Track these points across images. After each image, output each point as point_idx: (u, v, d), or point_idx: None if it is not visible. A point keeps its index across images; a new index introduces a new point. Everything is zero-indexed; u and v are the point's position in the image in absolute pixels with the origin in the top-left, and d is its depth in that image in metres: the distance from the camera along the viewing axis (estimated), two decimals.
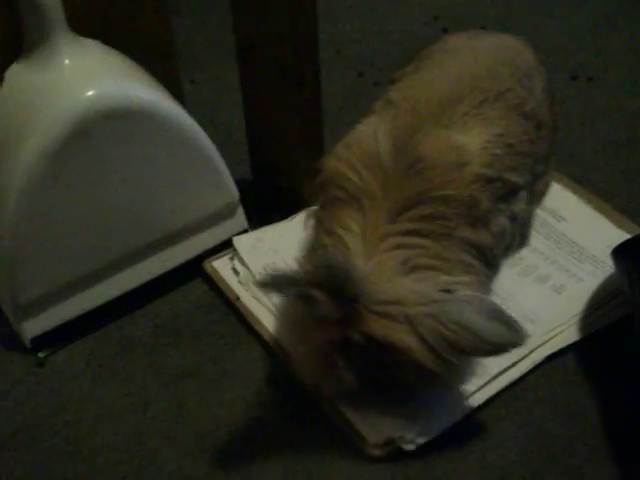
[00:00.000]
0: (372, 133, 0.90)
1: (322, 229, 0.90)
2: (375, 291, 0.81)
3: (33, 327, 1.00)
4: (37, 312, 1.00)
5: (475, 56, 0.99)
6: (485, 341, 0.80)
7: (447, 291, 0.82)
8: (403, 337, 0.80)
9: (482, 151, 0.90)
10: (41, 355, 1.01)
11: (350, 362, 0.84)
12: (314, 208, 0.95)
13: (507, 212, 0.94)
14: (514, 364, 0.95)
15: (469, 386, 0.93)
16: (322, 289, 0.79)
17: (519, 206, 0.96)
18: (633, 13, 1.54)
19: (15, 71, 0.96)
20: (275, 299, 1.02)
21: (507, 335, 0.81)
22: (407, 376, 0.84)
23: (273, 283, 0.81)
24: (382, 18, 1.55)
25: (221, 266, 1.08)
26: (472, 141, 0.90)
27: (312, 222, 0.94)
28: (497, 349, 0.82)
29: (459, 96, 0.92)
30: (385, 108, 0.95)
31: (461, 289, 0.83)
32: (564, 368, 0.97)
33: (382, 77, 1.40)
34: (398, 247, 0.84)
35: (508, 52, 1.01)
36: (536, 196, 1.04)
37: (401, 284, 0.82)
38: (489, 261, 0.92)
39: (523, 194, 0.97)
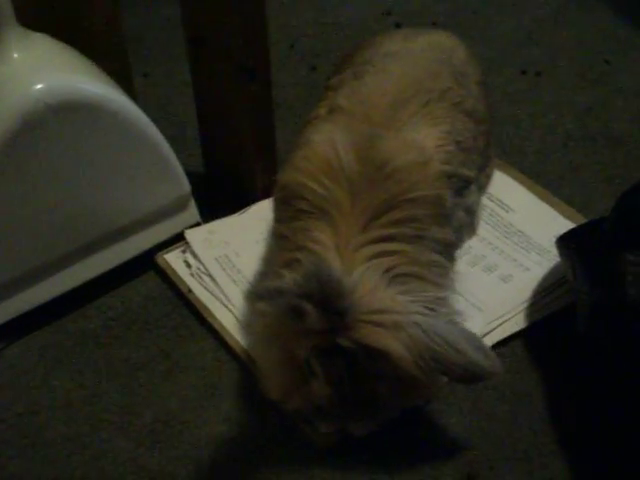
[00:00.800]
0: (329, 142, 0.90)
1: (289, 245, 0.88)
2: (363, 301, 0.81)
3: None
4: None
5: (414, 58, 1.01)
6: (471, 362, 0.81)
7: (431, 309, 0.83)
8: (392, 343, 0.80)
9: (438, 149, 0.93)
10: None
11: (329, 374, 0.82)
12: (273, 224, 0.94)
13: (463, 205, 0.97)
14: None
15: None
16: (312, 301, 0.78)
17: (472, 198, 0.99)
18: (581, 8, 1.57)
19: None
20: (229, 294, 1.03)
21: (484, 362, 0.82)
22: (386, 389, 0.83)
23: (265, 294, 0.80)
24: (335, 12, 1.56)
25: (173, 259, 1.09)
26: (427, 140, 0.92)
27: (273, 239, 0.94)
28: (473, 374, 0.82)
29: (406, 98, 0.94)
30: (335, 115, 0.96)
31: (441, 308, 0.84)
32: (512, 355, 0.99)
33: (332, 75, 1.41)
34: (375, 256, 0.84)
35: (443, 51, 1.04)
36: (480, 187, 1.06)
37: (387, 294, 0.82)
38: (452, 256, 0.95)
39: (474, 187, 1.00)
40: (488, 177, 1.07)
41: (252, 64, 1.04)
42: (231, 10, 0.99)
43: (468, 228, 1.03)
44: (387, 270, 0.84)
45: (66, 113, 0.93)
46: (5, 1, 0.92)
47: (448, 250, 0.92)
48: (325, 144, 0.90)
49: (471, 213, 1.02)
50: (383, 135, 0.90)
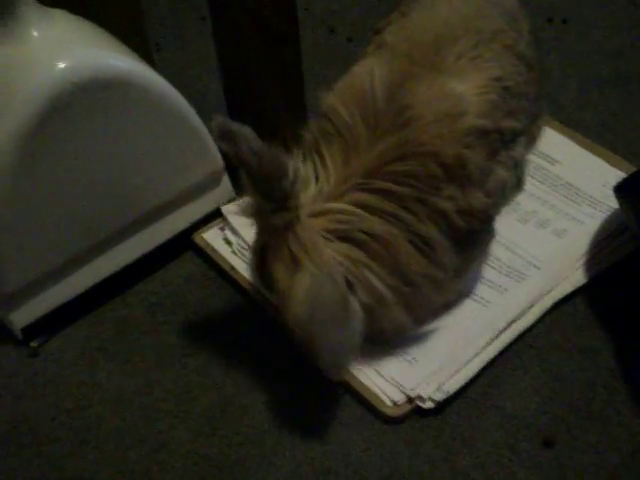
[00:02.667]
0: (368, 74, 0.87)
1: (301, 152, 0.88)
2: (300, 226, 0.81)
3: (23, 316, 0.95)
4: (26, 300, 0.95)
5: None
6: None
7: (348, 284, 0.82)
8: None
9: (480, 98, 0.87)
10: (34, 344, 0.96)
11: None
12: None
13: (509, 162, 0.91)
14: (523, 313, 0.93)
15: (481, 339, 0.91)
16: (249, 173, 0.79)
17: (519, 151, 0.93)
18: None
19: None
20: None
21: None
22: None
23: (219, 129, 0.80)
24: None
25: (212, 237, 1.04)
26: (469, 88, 0.87)
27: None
28: None
29: (453, 37, 0.89)
30: (379, 50, 0.92)
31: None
32: (575, 312, 0.95)
33: (354, 32, 1.36)
34: (355, 205, 0.83)
35: None
36: (531, 140, 1.01)
37: (320, 240, 0.81)
38: (477, 227, 0.89)
39: (522, 139, 0.94)
40: (539, 129, 1.02)
41: (281, 28, 0.99)
42: None
43: (513, 185, 0.99)
44: (342, 230, 0.83)
45: (94, 91, 0.88)
46: None
47: (468, 220, 0.87)
48: (363, 75, 0.88)
49: (518, 168, 0.96)
50: (421, 77, 0.86)
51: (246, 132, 0.80)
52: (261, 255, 0.85)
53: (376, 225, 0.83)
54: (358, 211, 0.83)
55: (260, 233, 0.86)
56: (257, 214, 0.84)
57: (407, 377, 0.88)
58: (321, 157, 0.86)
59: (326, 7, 1.43)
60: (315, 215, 0.83)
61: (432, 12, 0.93)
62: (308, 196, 0.85)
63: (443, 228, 0.85)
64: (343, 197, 0.84)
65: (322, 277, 0.79)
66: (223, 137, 0.80)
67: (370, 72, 0.87)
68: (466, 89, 0.87)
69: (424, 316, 0.91)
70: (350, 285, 0.82)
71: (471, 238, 0.89)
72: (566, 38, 1.33)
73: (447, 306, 0.93)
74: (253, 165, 0.79)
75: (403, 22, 0.95)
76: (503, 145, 0.90)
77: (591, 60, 1.29)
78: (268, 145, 0.80)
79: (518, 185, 1.03)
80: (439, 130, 0.84)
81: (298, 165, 0.82)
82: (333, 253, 0.82)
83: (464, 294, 0.95)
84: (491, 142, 0.88)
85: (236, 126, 0.80)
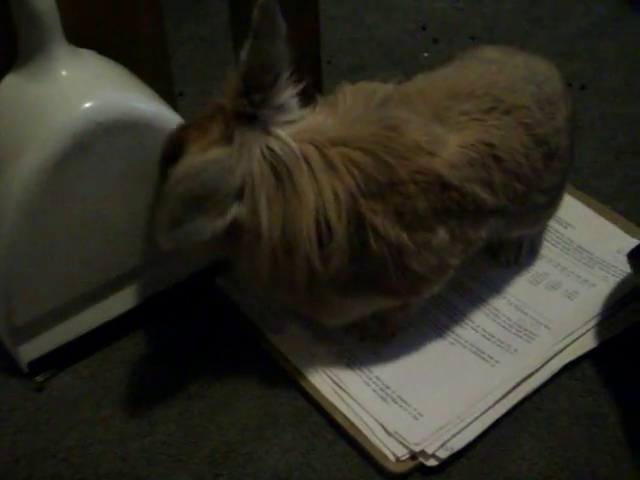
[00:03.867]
0: (385, 87, 0.91)
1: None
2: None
3: (30, 350, 0.96)
4: (34, 334, 0.95)
5: (501, 68, 0.94)
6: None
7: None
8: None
9: (459, 149, 0.86)
10: (39, 379, 0.96)
11: None
12: None
13: (455, 231, 0.88)
14: (532, 374, 0.93)
15: (488, 398, 0.90)
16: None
17: (477, 233, 0.90)
18: (620, 20, 1.54)
19: (10, 82, 0.92)
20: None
21: None
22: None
23: None
24: (370, 28, 1.53)
25: (226, 282, 1.04)
26: (453, 138, 0.87)
27: None
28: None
29: (468, 96, 0.90)
30: (398, 86, 0.93)
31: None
32: (583, 377, 0.94)
33: None
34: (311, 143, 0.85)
35: (536, 74, 0.96)
36: (536, 221, 1.01)
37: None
38: (412, 268, 0.87)
39: (491, 221, 0.90)
40: (550, 216, 1.03)
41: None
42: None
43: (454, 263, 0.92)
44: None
45: (117, 132, 0.89)
46: (53, 18, 0.89)
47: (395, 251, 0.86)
48: (381, 85, 0.92)
49: (474, 247, 0.92)
50: (419, 112, 0.88)
51: None
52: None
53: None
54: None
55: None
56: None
57: (412, 432, 0.87)
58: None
59: (348, 61, 1.45)
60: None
61: (463, 70, 0.95)
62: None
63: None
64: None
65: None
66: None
67: (387, 86, 0.91)
68: (451, 137, 0.87)
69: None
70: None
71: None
72: (584, 104, 1.34)
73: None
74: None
75: (436, 71, 0.98)
76: (460, 212, 0.87)
77: (608, 127, 1.30)
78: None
79: (531, 250, 1.04)
80: (405, 153, 0.84)
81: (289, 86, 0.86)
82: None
83: None
84: (445, 199, 0.86)
85: None
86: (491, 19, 1.55)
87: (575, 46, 1.47)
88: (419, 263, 0.87)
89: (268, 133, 0.84)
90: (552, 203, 1.00)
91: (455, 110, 0.89)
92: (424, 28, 1.52)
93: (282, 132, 0.84)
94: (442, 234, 0.87)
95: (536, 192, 0.94)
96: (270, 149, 0.83)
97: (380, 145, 0.84)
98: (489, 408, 0.90)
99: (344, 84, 0.92)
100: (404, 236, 0.85)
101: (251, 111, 0.84)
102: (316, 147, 0.84)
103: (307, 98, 0.89)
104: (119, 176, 0.92)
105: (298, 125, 0.86)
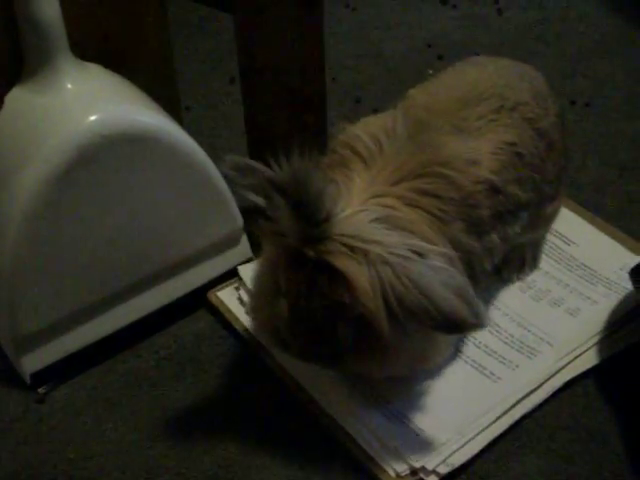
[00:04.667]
0: (389, 116, 0.90)
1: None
2: (341, 220, 0.77)
3: (33, 362, 0.96)
4: (37, 346, 0.95)
5: (496, 68, 0.99)
6: (437, 308, 0.75)
7: (418, 254, 0.78)
8: (356, 271, 0.75)
9: (492, 156, 0.89)
10: (41, 391, 0.97)
11: (290, 286, 0.78)
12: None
13: (501, 232, 0.91)
14: (533, 390, 0.93)
15: (489, 415, 0.90)
16: (287, 196, 0.74)
17: (514, 229, 0.94)
18: (625, 37, 1.55)
19: (16, 95, 0.93)
20: None
21: (463, 311, 0.76)
22: (346, 327, 0.79)
23: (236, 166, 0.77)
24: (376, 45, 1.54)
25: (226, 296, 1.05)
26: (482, 145, 0.89)
27: None
28: (449, 323, 0.76)
29: (477, 98, 0.92)
30: (400, 102, 0.95)
31: (434, 258, 0.79)
32: (585, 393, 0.94)
33: (380, 103, 1.38)
34: (385, 206, 0.81)
35: (526, 73, 1.01)
36: (544, 220, 1.02)
37: (373, 228, 0.78)
38: (475, 273, 0.88)
39: (524, 215, 0.94)
40: (556, 211, 1.03)
41: (308, 95, 1.01)
42: (289, 38, 0.97)
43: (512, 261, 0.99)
44: (387, 217, 0.80)
45: (122, 145, 0.90)
46: (59, 31, 0.90)
47: (470, 262, 0.87)
48: (384, 117, 0.91)
49: (508, 244, 0.95)
50: (439, 126, 0.88)
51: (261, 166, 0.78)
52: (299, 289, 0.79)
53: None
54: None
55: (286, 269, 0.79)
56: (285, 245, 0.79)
57: (412, 448, 0.87)
58: (345, 176, 0.85)
59: (353, 78, 1.46)
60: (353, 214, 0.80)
61: (461, 75, 0.97)
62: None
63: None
64: (374, 198, 0.82)
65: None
66: (243, 171, 0.78)
67: (392, 114, 0.90)
68: (480, 145, 0.89)
69: None
70: None
71: None
72: (588, 121, 1.35)
73: None
74: (289, 182, 0.74)
75: (431, 81, 0.99)
76: (504, 213, 0.91)
77: (611, 144, 1.30)
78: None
79: (533, 263, 1.04)
80: (458, 167, 0.86)
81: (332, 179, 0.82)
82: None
83: None
84: (497, 203, 0.89)
85: (251, 161, 0.79)
86: (496, 37, 1.55)
87: (579, 64, 1.48)
88: (480, 270, 0.90)
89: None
90: (556, 196, 1.02)
91: (472, 117, 0.91)
92: (429, 45, 1.53)
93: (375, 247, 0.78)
94: (495, 237, 0.90)
95: (545, 183, 0.97)
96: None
97: (437, 165, 0.85)
98: (490, 424, 0.90)
99: (351, 128, 0.91)
100: (476, 245, 0.87)
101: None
102: (388, 206, 0.82)
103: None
104: (124, 189, 0.93)
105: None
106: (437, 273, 0.77)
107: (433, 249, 0.80)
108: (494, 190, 0.89)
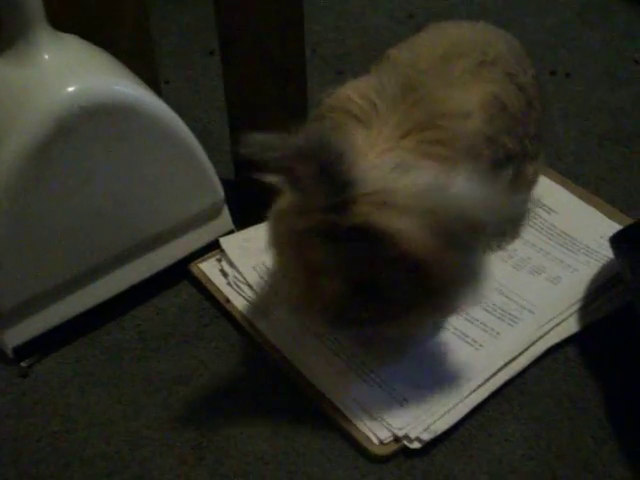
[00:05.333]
0: (375, 77, 0.89)
1: None
2: (366, 180, 0.75)
3: (15, 335, 0.95)
4: (19, 320, 0.95)
5: (472, 26, 1.00)
6: (487, 221, 0.75)
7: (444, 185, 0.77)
8: (398, 225, 0.74)
9: (481, 107, 0.89)
10: (24, 364, 0.96)
11: (333, 262, 0.77)
12: None
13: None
14: (515, 358, 0.93)
15: (471, 382, 0.91)
16: (310, 164, 0.72)
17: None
18: (603, 9, 1.55)
19: None
20: (269, 303, 0.99)
21: (510, 211, 0.77)
22: (403, 284, 0.78)
23: (253, 144, 0.75)
24: (356, 16, 1.53)
25: (208, 268, 1.05)
26: (472, 97, 0.89)
27: None
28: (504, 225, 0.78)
29: (458, 54, 0.92)
30: (382, 62, 0.94)
31: (460, 181, 0.77)
32: (566, 360, 0.95)
33: (361, 75, 1.38)
34: (398, 157, 0.80)
35: (502, 35, 1.02)
36: (526, 181, 1.02)
37: (395, 176, 0.77)
38: None
39: (509, 170, 0.91)
40: (536, 173, 1.03)
41: (288, 65, 1.00)
42: (268, 9, 0.96)
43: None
44: (403, 162, 0.79)
45: (101, 116, 0.89)
46: (36, 2, 0.89)
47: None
48: (371, 78, 0.90)
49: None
50: (428, 82, 0.88)
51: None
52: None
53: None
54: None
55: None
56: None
57: (396, 417, 0.88)
58: (344, 138, 0.82)
59: (334, 50, 1.45)
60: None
61: (440, 32, 0.98)
62: None
63: None
64: (385, 153, 0.81)
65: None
66: (263, 147, 0.75)
67: (378, 75, 0.89)
68: (470, 97, 0.89)
69: None
70: None
71: None
72: (569, 92, 1.35)
73: None
74: (314, 146, 0.72)
75: (410, 40, 0.99)
76: (497, 162, 0.90)
77: (592, 114, 1.31)
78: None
79: (514, 231, 1.04)
80: (456, 122, 0.85)
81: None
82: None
83: None
84: (492, 154, 0.89)
85: (270, 135, 0.76)
86: (477, 7, 1.55)
87: (560, 34, 1.48)
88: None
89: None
90: (536, 156, 1.02)
91: (456, 71, 0.91)
92: (411, 16, 1.52)
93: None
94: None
95: (527, 138, 0.97)
96: None
97: (437, 118, 0.84)
98: (472, 391, 0.90)
99: (340, 90, 0.89)
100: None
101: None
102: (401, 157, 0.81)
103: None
104: (104, 160, 0.92)
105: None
106: (472, 191, 0.76)
107: (456, 176, 0.78)
108: (489, 140, 0.89)
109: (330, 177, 0.73)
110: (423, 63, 0.91)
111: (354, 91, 0.88)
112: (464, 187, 0.76)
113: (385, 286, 0.79)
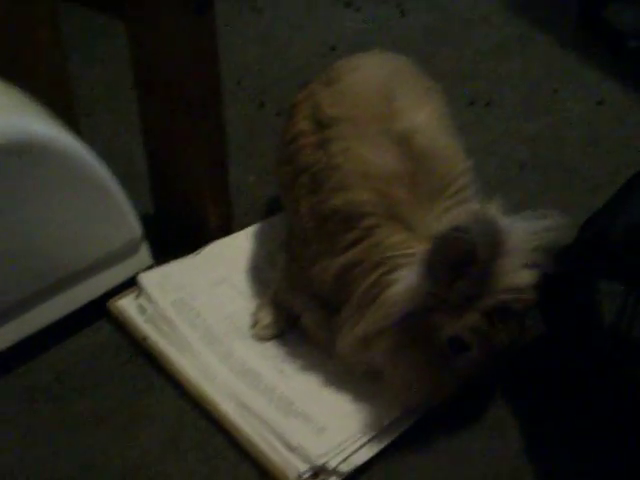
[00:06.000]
0: (362, 157, 0.91)
1: (358, 274, 0.88)
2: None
3: None
4: None
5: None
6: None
7: None
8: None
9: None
10: None
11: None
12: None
13: None
14: None
15: (391, 413, 0.91)
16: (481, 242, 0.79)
17: None
18: (522, 40, 1.58)
19: None
20: (188, 338, 0.98)
21: None
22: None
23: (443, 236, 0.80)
24: (280, 49, 1.54)
25: (127, 305, 1.03)
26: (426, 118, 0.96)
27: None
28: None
29: (395, 88, 0.98)
30: (334, 128, 0.95)
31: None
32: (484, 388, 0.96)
33: (284, 106, 1.38)
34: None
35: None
36: None
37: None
38: None
39: None
40: None
41: (203, 100, 1.00)
42: (181, 47, 0.96)
43: None
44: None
45: (12, 154, 0.88)
46: None
47: None
48: (358, 159, 0.91)
49: None
50: (411, 128, 0.92)
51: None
52: None
53: None
54: None
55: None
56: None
57: (315, 445, 0.87)
58: (387, 246, 0.88)
59: (257, 82, 1.45)
60: None
61: (361, 72, 1.02)
62: None
63: None
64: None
65: None
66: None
67: (362, 156, 0.91)
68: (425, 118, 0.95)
69: None
70: None
71: None
72: (488, 121, 1.38)
73: None
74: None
75: (335, 90, 0.99)
76: None
77: (512, 142, 1.33)
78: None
79: None
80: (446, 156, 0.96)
81: None
82: None
83: None
84: None
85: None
86: (398, 39, 1.57)
87: (479, 65, 1.51)
88: None
89: None
90: None
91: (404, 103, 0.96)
92: (333, 48, 1.54)
93: None
94: None
95: None
96: None
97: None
98: (392, 423, 0.90)
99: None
100: None
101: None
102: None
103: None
104: (14, 200, 0.90)
105: None
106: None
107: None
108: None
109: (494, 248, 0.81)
110: (373, 111, 0.94)
111: (363, 190, 0.89)
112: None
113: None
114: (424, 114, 0.95)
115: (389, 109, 0.94)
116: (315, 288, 0.94)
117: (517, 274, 0.83)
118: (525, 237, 0.84)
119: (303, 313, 0.97)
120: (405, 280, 0.84)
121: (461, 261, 0.80)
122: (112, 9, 1.00)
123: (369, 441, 0.89)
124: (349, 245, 0.89)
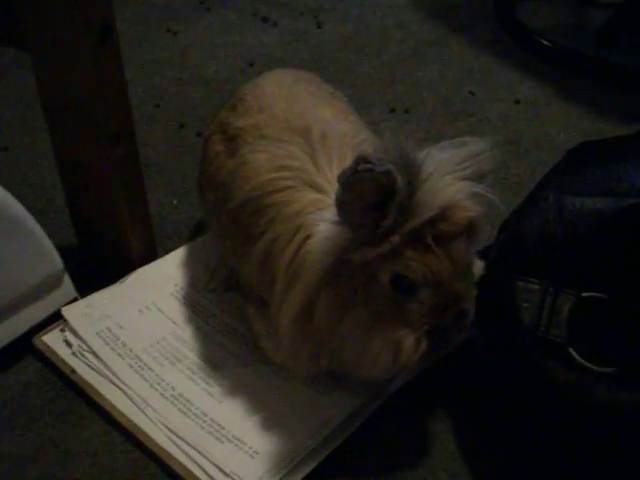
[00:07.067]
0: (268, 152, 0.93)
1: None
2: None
3: None
4: None
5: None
6: None
7: None
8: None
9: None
10: None
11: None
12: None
13: None
14: (366, 403, 0.94)
15: (323, 431, 0.91)
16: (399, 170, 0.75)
17: None
18: (437, 45, 1.60)
19: None
20: (116, 369, 0.97)
21: None
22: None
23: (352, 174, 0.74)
24: (198, 68, 1.54)
25: (52, 340, 1.02)
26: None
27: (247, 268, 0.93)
28: None
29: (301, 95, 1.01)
30: (241, 138, 0.97)
31: None
32: (418, 398, 0.97)
33: (204, 127, 1.38)
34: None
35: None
36: None
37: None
38: None
39: None
40: None
41: (114, 128, 0.99)
42: (85, 71, 0.95)
43: None
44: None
45: None
46: None
47: None
48: (262, 153, 0.93)
49: None
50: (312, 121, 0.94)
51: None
52: None
53: None
54: None
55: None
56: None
57: (248, 470, 0.87)
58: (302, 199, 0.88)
59: (176, 104, 1.45)
60: None
61: (265, 88, 1.03)
62: None
63: None
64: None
65: None
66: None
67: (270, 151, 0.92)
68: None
69: None
70: None
71: None
72: (409, 126, 1.39)
73: None
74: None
75: (241, 109, 1.01)
76: None
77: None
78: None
79: None
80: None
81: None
82: None
83: None
84: None
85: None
86: (317, 51, 1.58)
87: (397, 72, 1.52)
88: None
89: None
90: None
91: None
92: (252, 64, 1.54)
93: None
94: None
95: None
96: None
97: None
98: (325, 440, 0.90)
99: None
100: None
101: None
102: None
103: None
104: None
105: None
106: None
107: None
108: None
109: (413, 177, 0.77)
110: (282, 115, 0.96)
111: (265, 171, 0.90)
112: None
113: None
114: (328, 112, 0.98)
115: (291, 111, 0.97)
116: (255, 290, 0.94)
117: (440, 193, 0.78)
118: (444, 163, 0.81)
119: (246, 303, 0.99)
120: (322, 232, 0.81)
121: (376, 195, 0.76)
122: (15, 41, 0.99)
123: (303, 460, 0.88)
124: (264, 227, 0.88)
